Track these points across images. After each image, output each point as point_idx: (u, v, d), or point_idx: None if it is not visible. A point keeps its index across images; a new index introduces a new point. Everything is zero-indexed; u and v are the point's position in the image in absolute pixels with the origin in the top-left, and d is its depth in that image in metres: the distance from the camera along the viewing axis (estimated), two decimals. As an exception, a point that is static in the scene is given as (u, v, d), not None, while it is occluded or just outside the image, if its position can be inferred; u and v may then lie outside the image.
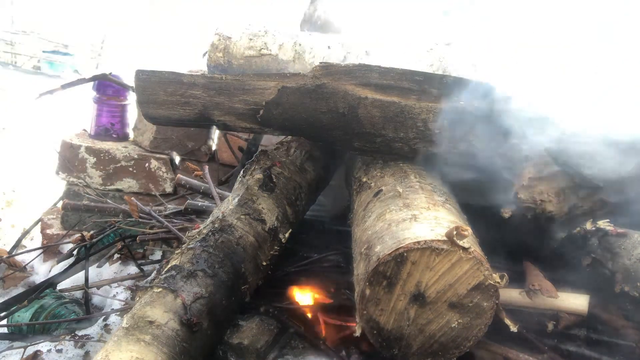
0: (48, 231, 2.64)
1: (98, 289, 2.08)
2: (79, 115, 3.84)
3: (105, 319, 1.75)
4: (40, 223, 2.70)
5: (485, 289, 1.11)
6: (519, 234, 1.57)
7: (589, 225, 1.46)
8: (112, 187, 2.79)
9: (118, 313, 1.76)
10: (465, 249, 1.08)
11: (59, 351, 1.62)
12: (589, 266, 1.43)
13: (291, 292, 1.65)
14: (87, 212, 2.40)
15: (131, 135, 3.07)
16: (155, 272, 1.37)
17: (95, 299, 2.11)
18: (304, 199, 1.77)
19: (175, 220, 2.15)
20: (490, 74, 1.64)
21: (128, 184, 2.80)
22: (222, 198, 2.04)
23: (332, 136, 1.62)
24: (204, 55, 2.05)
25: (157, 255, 2.25)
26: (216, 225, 1.44)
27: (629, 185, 1.43)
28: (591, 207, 1.51)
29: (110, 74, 2.33)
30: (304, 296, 1.65)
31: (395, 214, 1.26)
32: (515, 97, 1.50)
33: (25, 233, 2.64)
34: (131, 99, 2.92)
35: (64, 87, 2.02)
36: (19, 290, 2.29)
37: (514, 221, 1.51)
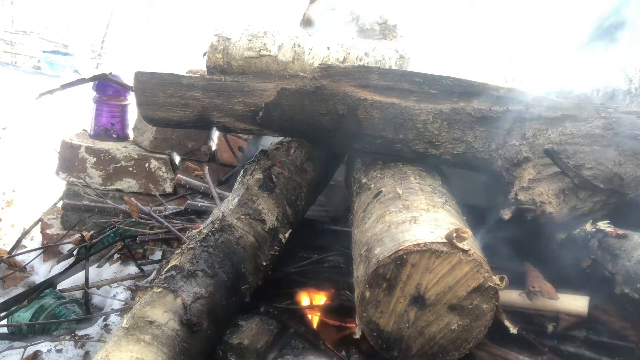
0: (48, 231, 2.64)
1: (98, 289, 2.09)
2: (79, 115, 3.84)
3: (105, 319, 1.76)
4: (40, 223, 2.70)
5: (485, 291, 1.11)
6: (519, 235, 1.57)
7: (588, 227, 1.46)
8: (112, 187, 2.79)
9: (118, 313, 1.76)
10: (465, 251, 1.08)
11: (59, 351, 1.62)
12: (589, 267, 1.43)
13: (291, 292, 1.65)
14: (87, 212, 2.40)
15: (131, 135, 3.07)
16: (155, 272, 1.38)
17: (95, 299, 2.11)
18: (304, 199, 1.77)
19: (175, 221, 2.15)
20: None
21: (128, 184, 2.80)
22: (222, 198, 2.04)
23: (332, 137, 1.62)
24: (204, 55, 2.05)
25: (157, 255, 2.25)
26: (216, 225, 1.44)
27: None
28: (591, 208, 1.51)
29: (110, 74, 2.32)
30: (304, 297, 1.65)
31: (395, 215, 1.26)
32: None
33: (25, 233, 2.64)
34: (131, 99, 2.92)
35: (64, 87, 2.01)
36: (19, 290, 2.29)
37: (513, 223, 1.51)
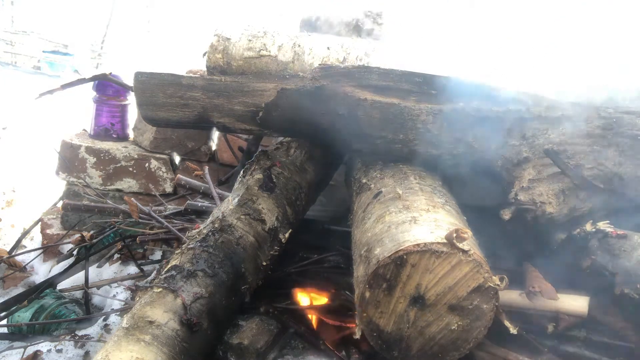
0: (48, 231, 2.64)
1: (98, 289, 2.09)
2: (79, 115, 3.85)
3: (105, 319, 1.76)
4: (40, 223, 2.70)
5: (485, 292, 1.11)
6: (519, 235, 1.57)
7: (588, 227, 1.46)
8: (112, 187, 2.79)
9: (118, 313, 1.76)
10: (465, 252, 1.08)
11: (59, 351, 1.62)
12: (589, 268, 1.43)
13: (291, 292, 1.65)
14: (87, 212, 2.40)
15: (131, 135, 3.07)
16: (155, 272, 1.38)
17: (95, 299, 2.11)
18: (304, 199, 1.77)
19: (175, 221, 2.15)
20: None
21: (128, 184, 2.80)
22: (222, 198, 2.04)
23: (332, 138, 1.62)
24: (204, 55, 2.05)
25: (157, 255, 2.25)
26: (216, 226, 1.44)
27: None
28: (591, 208, 1.51)
29: (110, 74, 2.32)
30: (304, 297, 1.65)
31: (395, 216, 1.26)
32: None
33: (25, 233, 2.64)
34: (131, 99, 2.92)
35: (64, 87, 2.01)
36: (19, 290, 2.29)
37: (514, 223, 1.51)
